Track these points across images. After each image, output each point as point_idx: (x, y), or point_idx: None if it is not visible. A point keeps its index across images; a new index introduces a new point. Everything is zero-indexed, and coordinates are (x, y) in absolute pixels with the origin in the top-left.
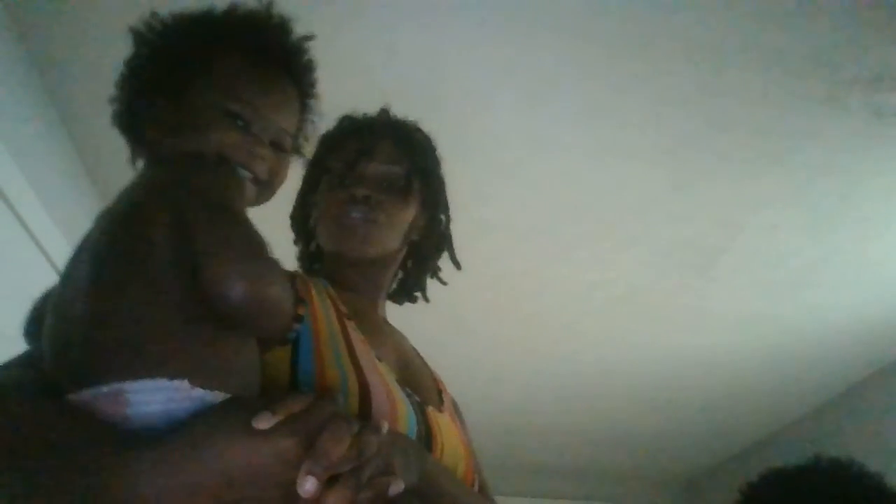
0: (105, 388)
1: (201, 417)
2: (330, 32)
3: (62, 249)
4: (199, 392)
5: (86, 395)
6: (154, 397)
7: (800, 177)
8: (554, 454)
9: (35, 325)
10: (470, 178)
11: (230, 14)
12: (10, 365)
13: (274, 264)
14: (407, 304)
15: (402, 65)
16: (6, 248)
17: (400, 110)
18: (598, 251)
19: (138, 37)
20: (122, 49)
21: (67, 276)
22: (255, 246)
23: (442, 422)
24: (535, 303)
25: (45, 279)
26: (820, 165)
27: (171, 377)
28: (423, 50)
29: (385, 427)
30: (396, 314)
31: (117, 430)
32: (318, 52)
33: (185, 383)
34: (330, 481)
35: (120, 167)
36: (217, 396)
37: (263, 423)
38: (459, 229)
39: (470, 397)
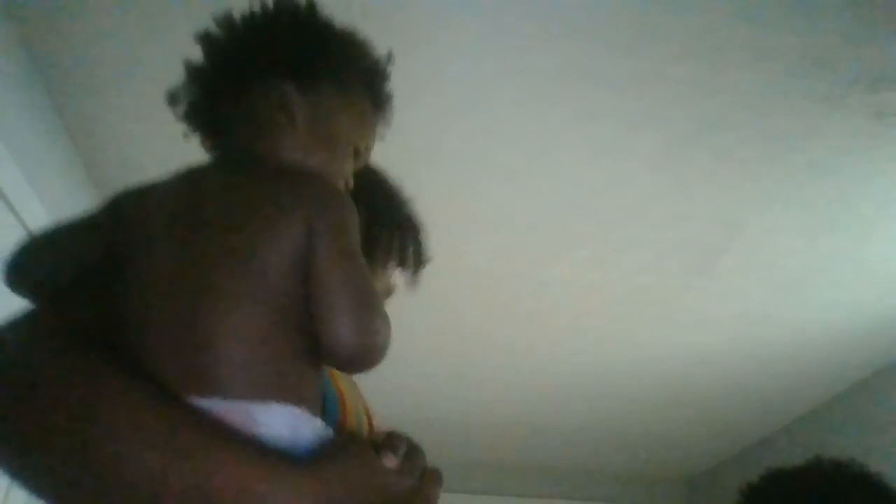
0: (236, 405)
1: (339, 448)
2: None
3: None
4: (318, 422)
5: (218, 405)
6: (282, 421)
7: (800, 177)
8: (554, 454)
9: (35, 274)
10: (469, 178)
11: (369, 56)
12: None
13: (387, 317)
14: (406, 305)
15: (401, 64)
16: (6, 247)
17: (396, 109)
18: (597, 251)
19: (264, 27)
20: (121, 49)
21: (166, 256)
22: (374, 298)
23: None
24: (535, 303)
25: None
26: (820, 165)
27: (295, 404)
28: (422, 49)
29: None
30: (396, 314)
31: (263, 443)
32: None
33: (306, 411)
34: None
35: (120, 167)
36: (327, 428)
37: (392, 462)
38: (459, 229)
39: (469, 397)
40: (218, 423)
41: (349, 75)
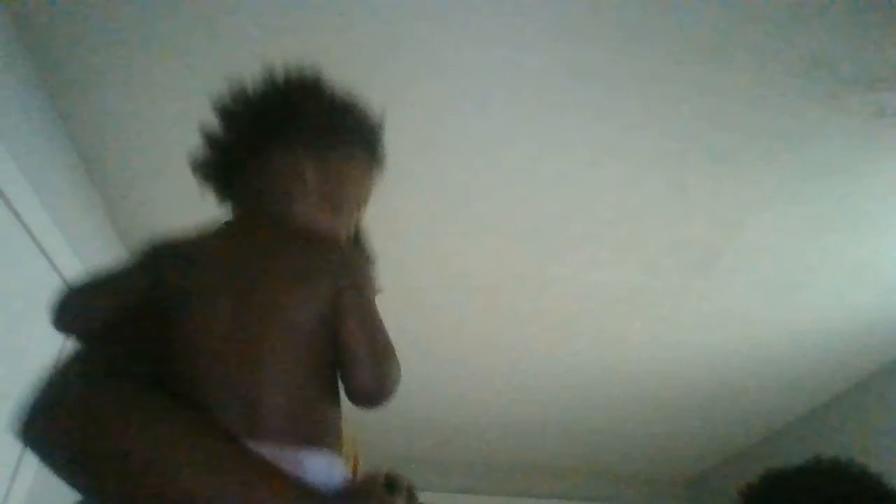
0: (287, 453)
1: (363, 490)
2: (329, 29)
3: (62, 249)
4: (344, 465)
5: (270, 452)
6: (322, 467)
7: (800, 177)
8: (554, 454)
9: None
10: (469, 178)
11: (370, 120)
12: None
13: (399, 362)
14: (405, 306)
15: (400, 64)
16: (6, 248)
17: (398, 109)
18: (597, 251)
19: (276, 92)
20: (121, 49)
21: (221, 315)
22: (390, 348)
23: None
24: (535, 303)
25: (45, 279)
26: (820, 165)
27: (328, 446)
28: (421, 48)
29: None
30: (395, 316)
31: (308, 485)
32: (317, 50)
33: (337, 456)
34: None
35: (120, 167)
36: (349, 474)
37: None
38: (459, 230)
39: (469, 397)
40: (268, 463)
41: (354, 143)
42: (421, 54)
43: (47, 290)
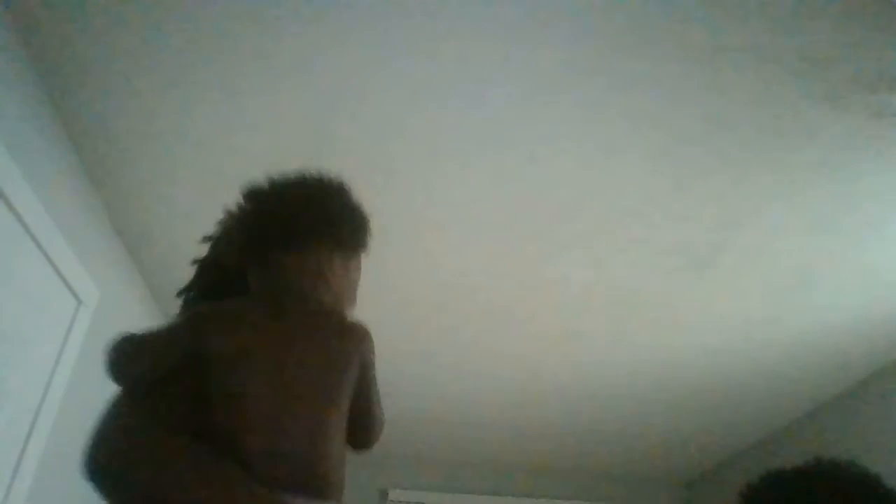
0: None
1: None
2: (328, 30)
3: (62, 249)
4: None
5: None
6: None
7: (800, 177)
8: (554, 454)
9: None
10: (469, 178)
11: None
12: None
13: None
14: (402, 308)
15: (400, 64)
16: (6, 248)
17: (398, 109)
18: (597, 251)
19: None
20: (121, 50)
21: (280, 384)
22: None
23: None
24: (535, 303)
25: (45, 279)
26: (820, 165)
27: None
28: (421, 49)
29: None
30: (393, 318)
31: None
32: (318, 53)
33: None
34: None
35: (120, 168)
36: None
37: None
38: (459, 230)
39: (470, 398)
40: None
41: (366, 243)
42: (419, 54)
43: (47, 291)
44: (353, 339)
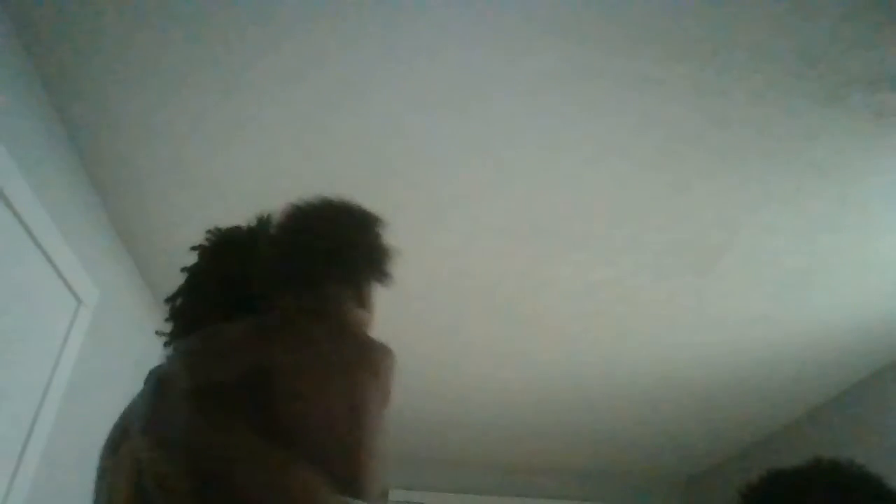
0: None
1: None
2: (329, 31)
3: (62, 249)
4: None
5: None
6: None
7: (800, 177)
8: (554, 454)
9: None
10: (469, 178)
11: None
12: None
13: None
14: (403, 307)
15: (402, 65)
16: (6, 248)
17: (399, 109)
18: (597, 251)
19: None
20: (121, 50)
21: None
22: None
23: None
24: (536, 303)
25: (45, 279)
26: (820, 165)
27: None
28: (423, 50)
29: None
30: (394, 317)
31: None
32: (319, 54)
33: None
34: None
35: (120, 168)
36: None
37: None
38: (459, 230)
39: (470, 398)
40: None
41: (389, 271)
42: (421, 56)
43: (47, 291)
44: (382, 356)
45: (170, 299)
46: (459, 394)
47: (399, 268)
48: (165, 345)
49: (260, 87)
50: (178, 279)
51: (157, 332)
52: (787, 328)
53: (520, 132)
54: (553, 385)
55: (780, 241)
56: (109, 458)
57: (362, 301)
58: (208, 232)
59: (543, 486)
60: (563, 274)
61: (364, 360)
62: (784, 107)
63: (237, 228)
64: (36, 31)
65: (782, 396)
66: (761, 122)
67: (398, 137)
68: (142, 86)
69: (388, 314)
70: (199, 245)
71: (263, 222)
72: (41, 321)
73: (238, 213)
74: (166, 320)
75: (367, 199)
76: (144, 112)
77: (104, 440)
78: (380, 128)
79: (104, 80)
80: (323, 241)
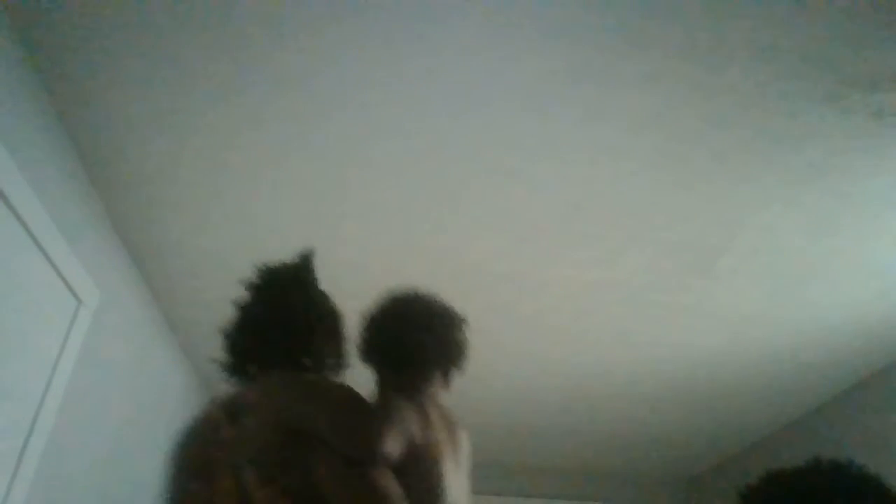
0: None
1: None
2: (328, 32)
3: (62, 249)
4: None
5: None
6: None
7: (799, 177)
8: (554, 454)
9: None
10: (470, 178)
11: None
12: None
13: None
14: None
15: (403, 66)
16: (6, 248)
17: (398, 108)
18: (598, 251)
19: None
20: (120, 50)
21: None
22: None
23: None
24: (535, 303)
25: (45, 279)
26: (820, 165)
27: None
28: (424, 50)
29: None
30: None
31: None
32: (320, 55)
33: None
34: None
35: (120, 168)
36: None
37: None
38: (459, 230)
39: (470, 397)
40: None
41: None
42: (422, 56)
43: (47, 291)
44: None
45: (229, 333)
46: (458, 393)
47: (398, 266)
48: (227, 375)
49: (262, 88)
50: (178, 279)
51: (212, 360)
52: (787, 328)
53: (520, 132)
54: (552, 384)
55: (780, 241)
56: (198, 476)
57: (447, 384)
58: (257, 268)
59: (543, 486)
60: (563, 273)
61: (454, 439)
62: (784, 107)
63: (284, 267)
64: (36, 32)
65: (782, 396)
66: (761, 122)
67: (399, 137)
68: (142, 86)
69: None
70: (252, 282)
71: (307, 261)
72: (41, 321)
73: (238, 213)
74: (225, 352)
75: (367, 199)
76: (145, 112)
77: (184, 438)
78: (380, 128)
79: (105, 81)
80: (426, 333)
